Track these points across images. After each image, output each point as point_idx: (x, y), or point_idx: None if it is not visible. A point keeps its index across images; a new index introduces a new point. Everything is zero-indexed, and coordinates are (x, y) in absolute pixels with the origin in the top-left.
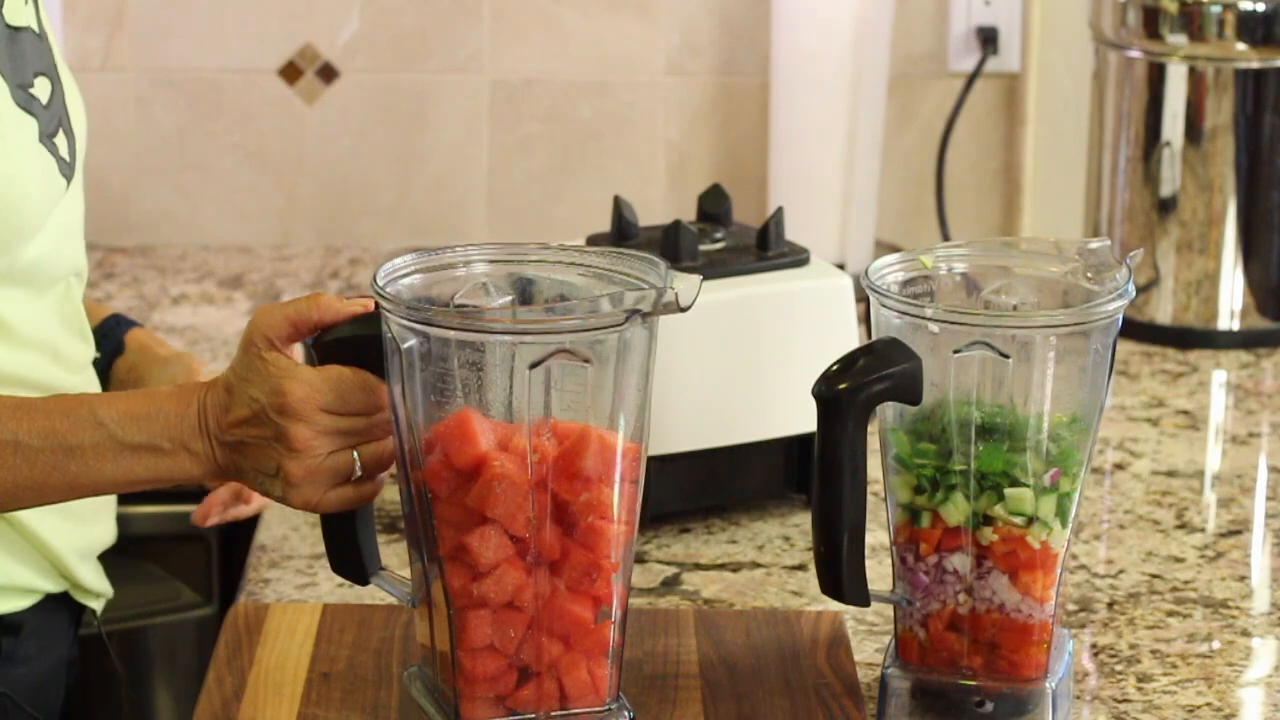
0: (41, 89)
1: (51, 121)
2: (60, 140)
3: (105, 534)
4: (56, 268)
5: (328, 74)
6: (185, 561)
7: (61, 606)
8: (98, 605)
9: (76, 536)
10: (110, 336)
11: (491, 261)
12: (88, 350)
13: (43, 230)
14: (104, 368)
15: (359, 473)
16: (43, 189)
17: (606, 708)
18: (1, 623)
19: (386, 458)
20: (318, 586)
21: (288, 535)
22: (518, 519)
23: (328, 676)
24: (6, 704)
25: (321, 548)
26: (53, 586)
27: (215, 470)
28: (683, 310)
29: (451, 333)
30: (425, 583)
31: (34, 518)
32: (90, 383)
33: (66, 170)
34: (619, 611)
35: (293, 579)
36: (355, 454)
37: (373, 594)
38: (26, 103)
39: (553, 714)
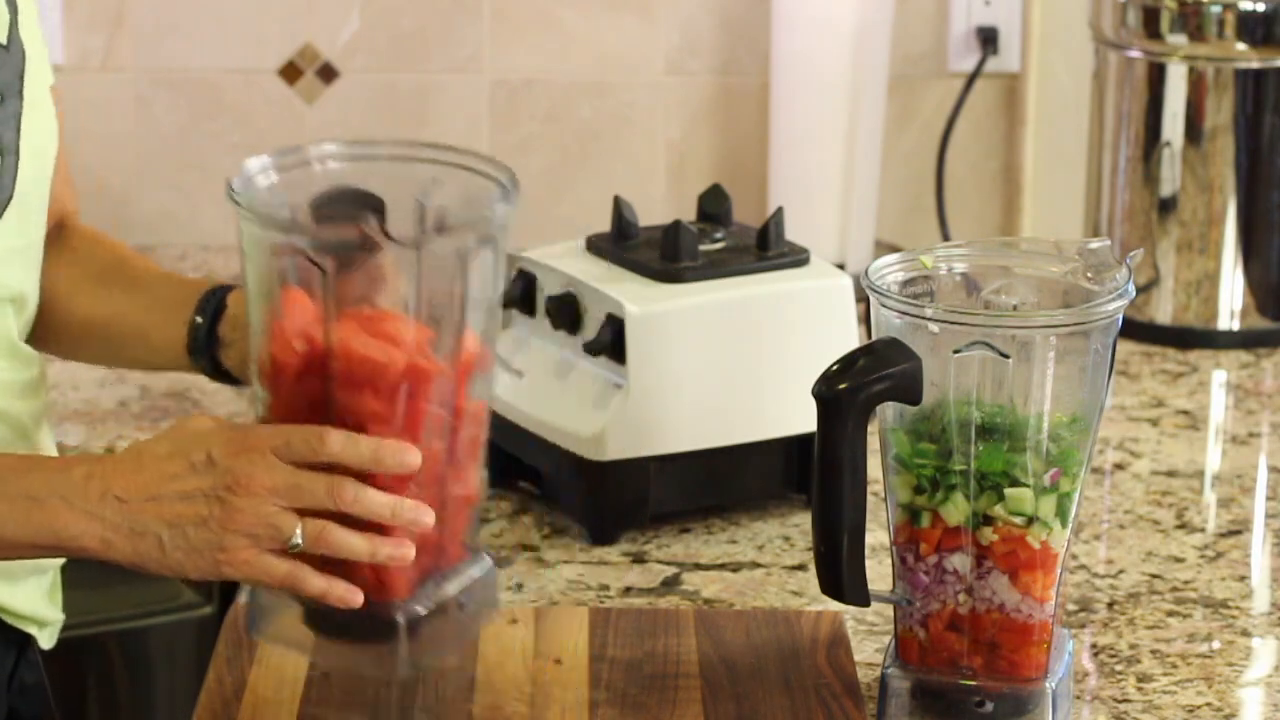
0: None
1: None
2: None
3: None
4: None
5: (328, 74)
6: None
7: (8, 642)
8: (45, 636)
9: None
10: (212, 300)
11: (345, 160)
12: (20, 373)
13: None
14: (206, 334)
15: (297, 540)
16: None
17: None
18: None
19: (332, 544)
20: None
21: None
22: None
23: (328, 676)
24: None
25: None
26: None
27: (104, 537)
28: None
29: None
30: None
31: None
32: (36, 407)
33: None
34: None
35: None
36: (298, 523)
37: None
38: None
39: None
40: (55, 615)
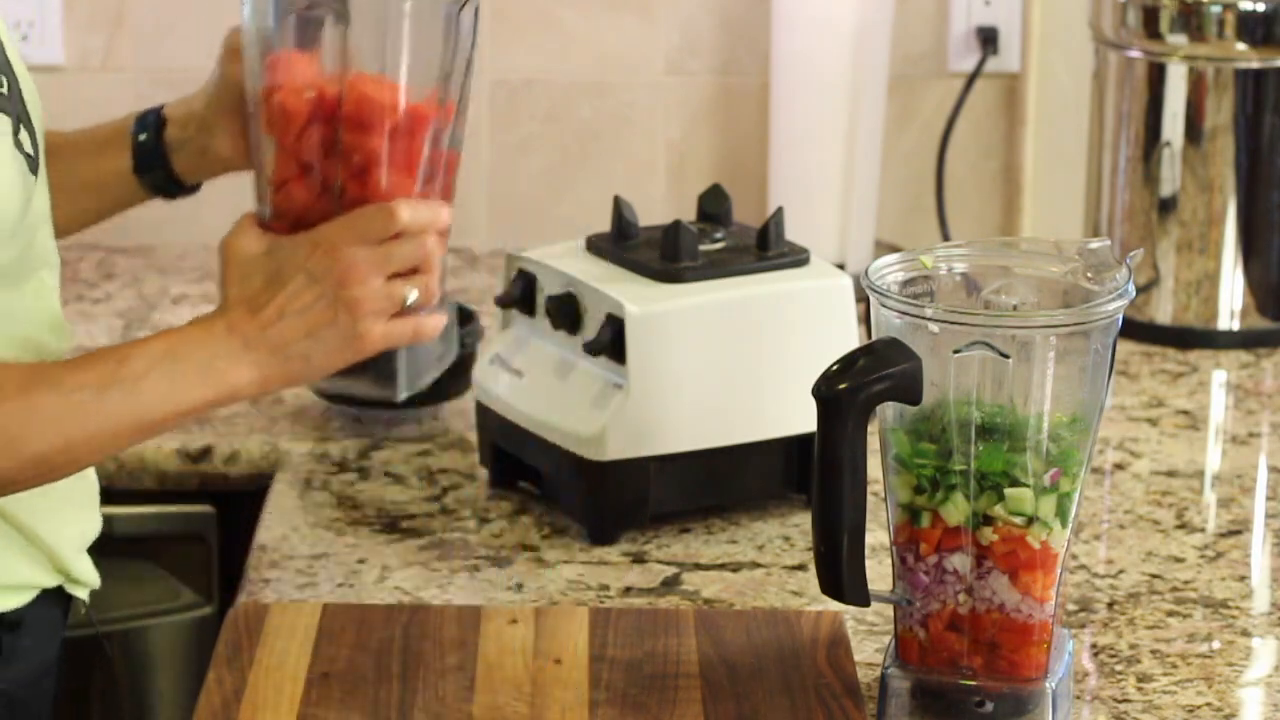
0: None
1: (13, 118)
2: (24, 136)
3: (95, 525)
4: (31, 263)
5: None
6: (185, 561)
7: (55, 601)
8: (85, 595)
9: (72, 529)
10: (148, 119)
11: None
12: (61, 344)
13: (18, 229)
14: (154, 146)
15: (413, 299)
16: (20, 189)
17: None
18: (1, 621)
19: (431, 287)
20: (318, 586)
21: (288, 535)
22: (308, 147)
23: (328, 676)
24: (4, 701)
25: (321, 548)
26: (50, 581)
27: (263, 375)
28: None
29: None
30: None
31: (32, 513)
32: None
33: (33, 166)
34: None
35: (293, 579)
36: (406, 284)
37: (373, 594)
38: None
39: None
40: (96, 578)
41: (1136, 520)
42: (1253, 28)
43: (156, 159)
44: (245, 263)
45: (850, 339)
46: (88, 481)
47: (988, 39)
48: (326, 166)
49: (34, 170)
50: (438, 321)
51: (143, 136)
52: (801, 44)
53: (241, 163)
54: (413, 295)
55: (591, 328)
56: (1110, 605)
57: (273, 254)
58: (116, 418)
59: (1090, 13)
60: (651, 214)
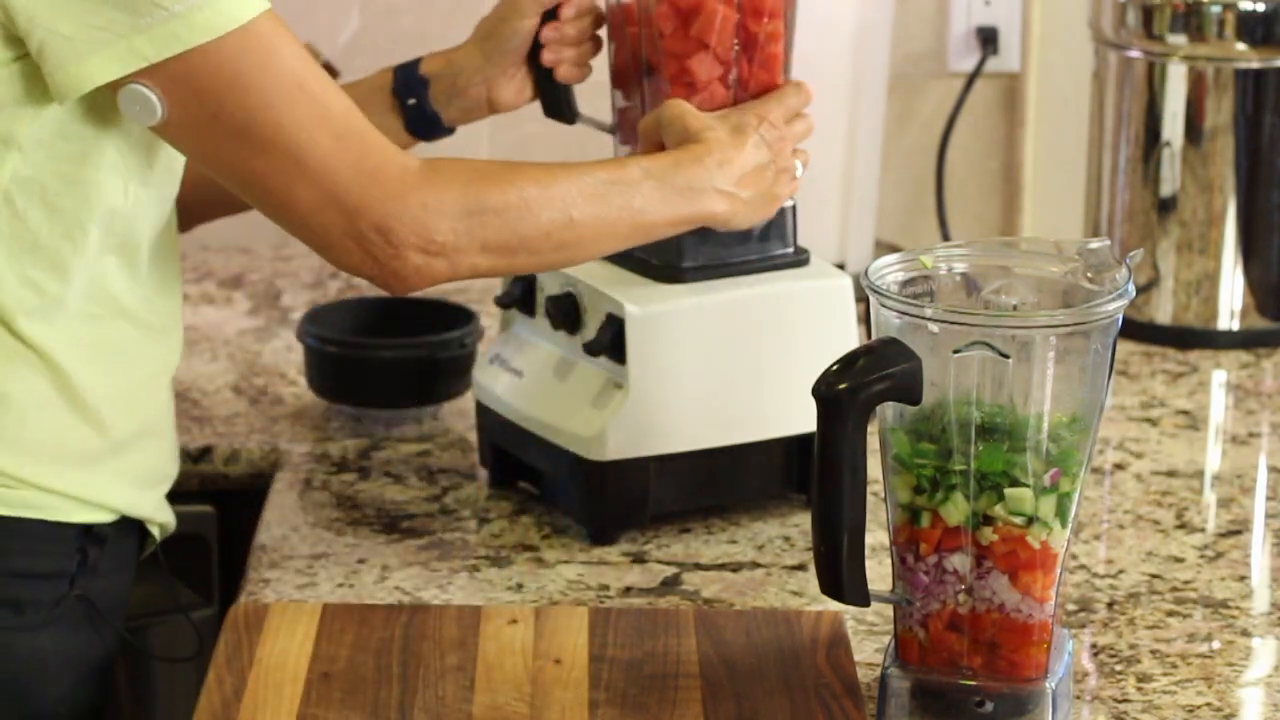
0: None
1: None
2: None
3: (173, 468)
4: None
5: (328, 74)
6: (185, 561)
7: (133, 532)
8: (157, 533)
9: (151, 465)
10: (411, 85)
11: None
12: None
13: None
14: (424, 107)
15: (801, 172)
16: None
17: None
18: (90, 533)
19: (807, 159)
20: (318, 586)
21: (288, 535)
22: (725, 45)
23: (328, 676)
24: (89, 609)
25: (321, 548)
26: (131, 508)
27: (731, 210)
28: None
29: None
30: (643, 111)
31: (118, 441)
32: None
33: None
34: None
35: (293, 579)
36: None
37: (373, 594)
38: None
39: None
40: (172, 520)
41: (1136, 520)
42: (1253, 28)
43: (429, 117)
44: (704, 116)
45: (850, 339)
46: (172, 431)
47: (988, 39)
48: (740, 60)
49: None
50: (798, 185)
51: (412, 100)
52: (801, 44)
53: (518, 105)
54: (801, 169)
55: (591, 328)
56: (1110, 605)
57: (726, 117)
58: (616, 209)
59: (1090, 13)
60: None
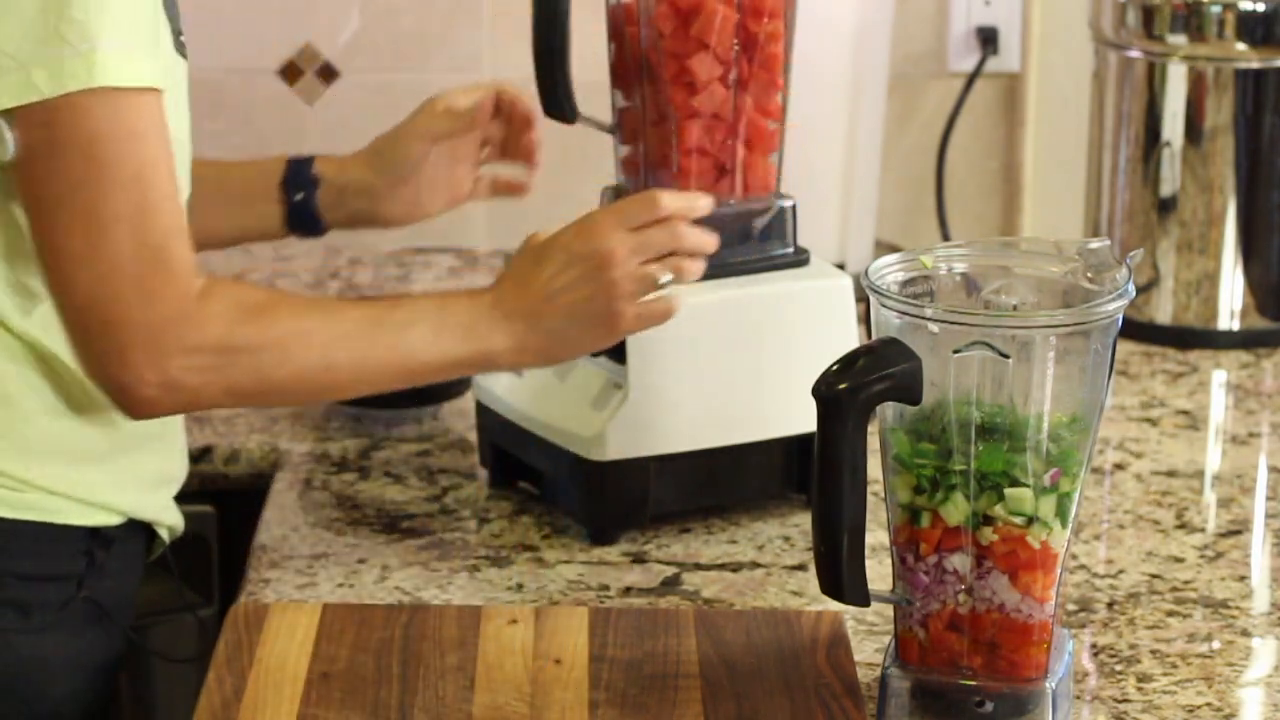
0: None
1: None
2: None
3: (181, 469)
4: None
5: (328, 74)
6: (185, 561)
7: (140, 534)
8: (165, 535)
9: (154, 467)
10: (300, 181)
11: None
12: None
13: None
14: (308, 205)
15: (665, 280)
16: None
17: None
18: (97, 535)
19: (686, 270)
20: (318, 586)
21: (288, 535)
22: (725, 45)
23: (328, 676)
24: (96, 611)
25: (321, 548)
26: (136, 511)
27: (520, 345)
28: None
29: None
30: (643, 111)
31: (124, 445)
32: None
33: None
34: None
35: (293, 579)
36: (661, 268)
37: (373, 594)
38: (181, 48)
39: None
40: (180, 521)
41: (1136, 520)
42: (1253, 28)
43: (310, 217)
44: (527, 250)
45: (850, 339)
46: (182, 434)
47: (988, 39)
48: (740, 60)
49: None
50: (670, 303)
51: (298, 197)
52: (801, 44)
53: (408, 223)
54: (666, 278)
55: None
56: (1110, 605)
57: (549, 242)
58: (380, 352)
59: (1090, 13)
60: None
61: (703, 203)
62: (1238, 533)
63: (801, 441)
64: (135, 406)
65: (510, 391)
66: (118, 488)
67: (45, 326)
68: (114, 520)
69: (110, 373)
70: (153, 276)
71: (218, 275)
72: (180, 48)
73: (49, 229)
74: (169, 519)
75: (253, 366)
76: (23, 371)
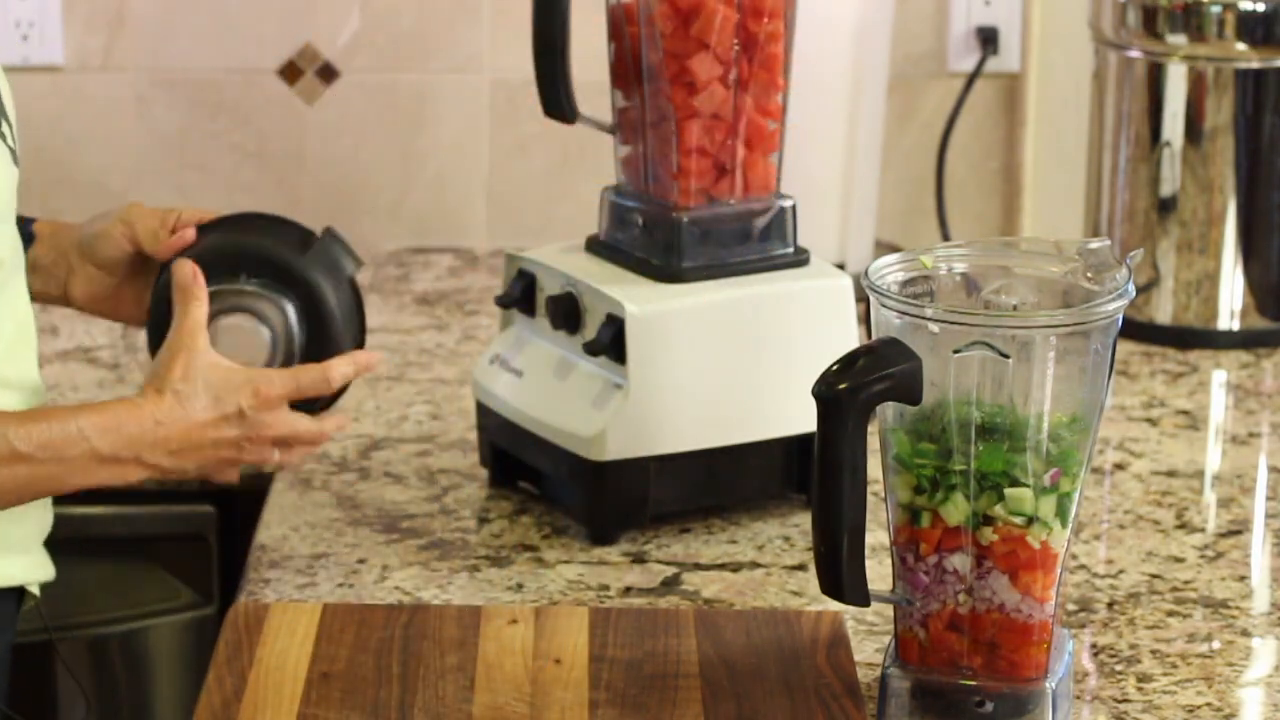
0: None
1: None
2: (5, 129)
3: (46, 520)
4: (8, 255)
5: (328, 74)
6: (185, 561)
7: (10, 596)
8: (36, 589)
9: (22, 528)
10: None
11: None
12: (32, 351)
13: (9, 216)
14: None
15: (271, 467)
16: (8, 181)
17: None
18: None
19: (291, 463)
20: (318, 586)
21: (288, 535)
22: (725, 45)
23: (328, 676)
24: None
25: (321, 548)
26: (9, 583)
27: (157, 476)
28: None
29: None
30: (643, 111)
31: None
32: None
33: (14, 158)
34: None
35: (293, 579)
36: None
37: (373, 594)
38: None
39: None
40: (51, 571)
41: (1136, 520)
42: (1253, 28)
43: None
44: (193, 357)
45: (850, 339)
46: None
47: (988, 39)
48: (740, 60)
49: (16, 162)
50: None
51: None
52: (801, 44)
53: (86, 307)
54: (274, 464)
55: (591, 328)
56: (1110, 605)
57: (229, 384)
58: (40, 483)
59: (1090, 13)
60: None
61: (335, 424)
62: (1238, 533)
63: (801, 441)
64: None
65: (510, 391)
66: None
67: None
68: None
69: None
70: None
71: None
72: None
73: None
74: (39, 575)
75: None
76: None
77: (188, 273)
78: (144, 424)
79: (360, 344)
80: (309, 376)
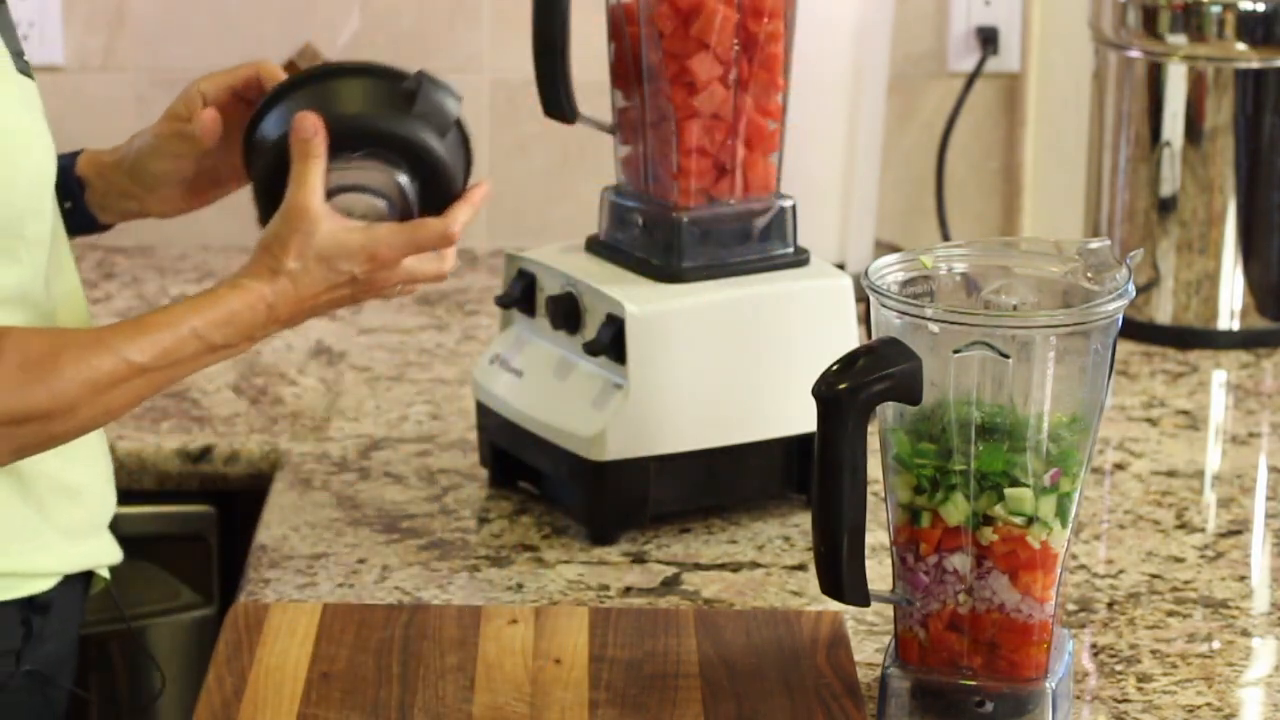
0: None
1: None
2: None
3: (110, 503)
4: (50, 230)
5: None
6: (185, 561)
7: (77, 583)
8: (106, 573)
9: (89, 511)
10: (67, 189)
11: None
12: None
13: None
14: (80, 210)
15: (393, 297)
16: (49, 151)
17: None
18: (32, 603)
19: (411, 290)
20: (318, 586)
21: (288, 535)
22: (725, 45)
23: (328, 676)
24: (38, 680)
25: (321, 548)
26: (73, 566)
27: (277, 330)
28: None
29: None
30: (643, 111)
31: (52, 498)
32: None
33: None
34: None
35: (293, 579)
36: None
37: (373, 594)
38: (24, 68)
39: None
40: (119, 554)
41: (1136, 520)
42: (1253, 28)
43: (88, 219)
44: (309, 235)
45: (850, 339)
46: (104, 462)
47: (988, 39)
48: (740, 60)
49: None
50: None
51: (68, 204)
52: (801, 44)
53: (182, 213)
54: (395, 296)
55: (591, 328)
56: (1110, 605)
57: (335, 241)
58: (156, 386)
59: (1090, 13)
60: None
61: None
62: (1238, 533)
63: (801, 441)
64: None
65: (510, 391)
66: (50, 547)
67: None
68: (48, 585)
69: None
70: None
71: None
72: (24, 68)
73: None
74: (107, 559)
75: (41, 429)
76: None
77: (309, 126)
78: (257, 310)
79: (469, 177)
80: (427, 232)
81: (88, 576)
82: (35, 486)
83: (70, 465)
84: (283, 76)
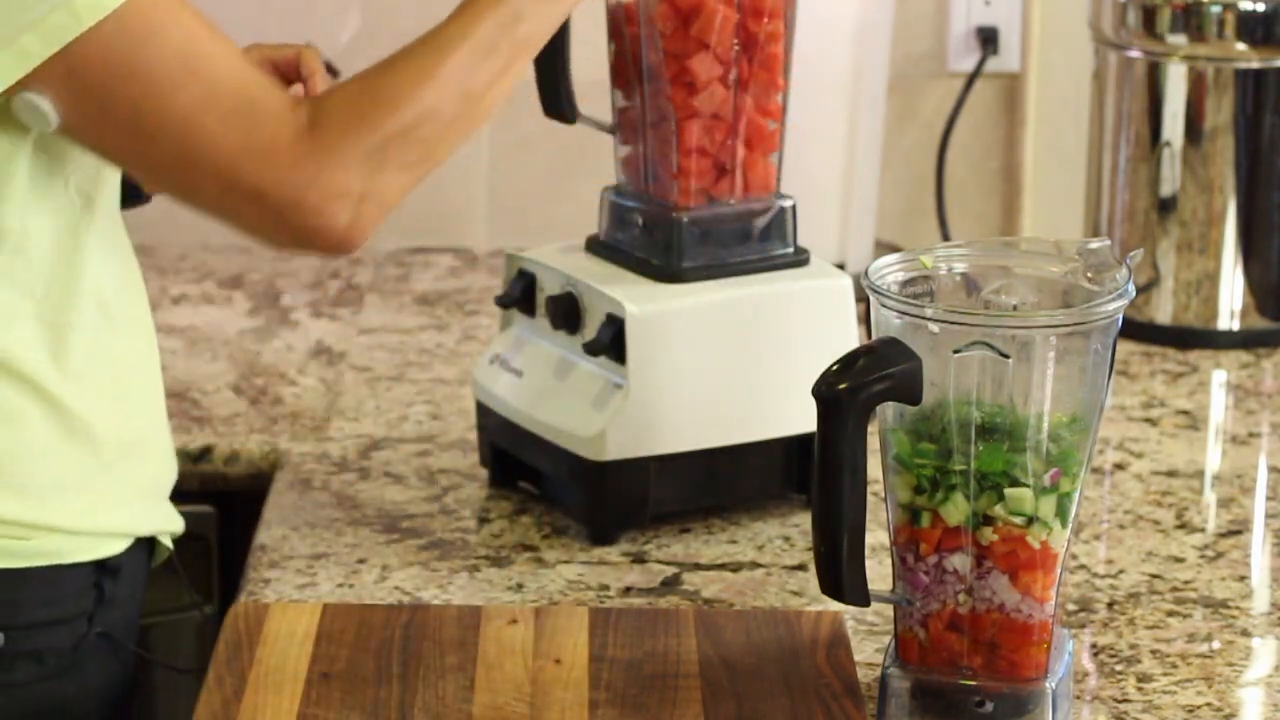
0: None
1: None
2: None
3: (173, 472)
4: (95, 193)
5: (328, 73)
6: (185, 561)
7: (143, 550)
8: (169, 541)
9: (155, 477)
10: None
11: None
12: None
13: None
14: (129, 186)
15: None
16: None
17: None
18: (104, 567)
19: None
20: (318, 586)
21: (288, 535)
22: (725, 45)
23: (328, 677)
24: (110, 644)
25: (321, 548)
26: (143, 528)
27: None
28: None
29: None
30: (643, 111)
31: (121, 464)
32: None
33: None
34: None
35: (293, 579)
36: None
37: (373, 594)
38: None
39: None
40: (181, 524)
41: (1136, 520)
42: (1253, 28)
43: (132, 190)
44: None
45: (850, 339)
46: (165, 424)
47: (988, 39)
48: (740, 60)
49: None
50: None
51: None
52: (801, 44)
53: None
54: None
55: (591, 328)
56: (1110, 605)
57: None
58: (509, 62)
59: (1090, 13)
60: None
61: None
62: (1238, 533)
63: (801, 441)
64: (341, 241)
65: (510, 391)
66: (120, 505)
67: (24, 343)
68: (120, 547)
69: (296, 229)
70: (255, 134)
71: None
72: None
73: (144, 161)
74: (172, 526)
75: (406, 145)
76: (8, 400)
77: None
78: None
79: None
80: None
81: (150, 546)
82: (105, 447)
83: (134, 421)
84: (320, 65)
